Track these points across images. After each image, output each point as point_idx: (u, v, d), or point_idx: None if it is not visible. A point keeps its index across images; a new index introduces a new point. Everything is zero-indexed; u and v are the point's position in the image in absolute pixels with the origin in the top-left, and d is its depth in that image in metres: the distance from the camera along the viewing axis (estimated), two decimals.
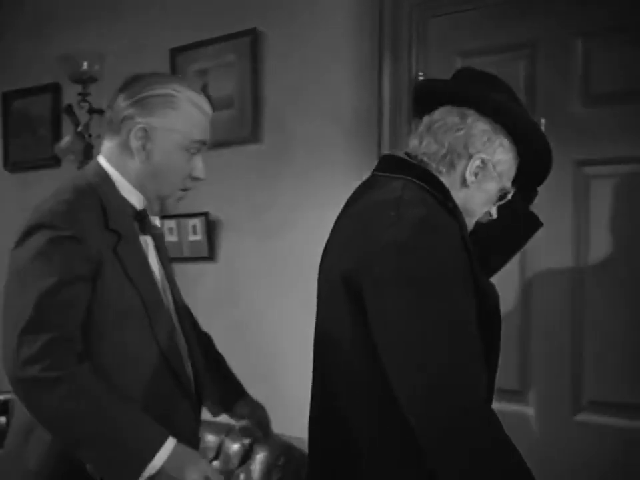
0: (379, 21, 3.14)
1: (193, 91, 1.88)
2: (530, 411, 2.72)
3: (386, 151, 3.06)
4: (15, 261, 1.74)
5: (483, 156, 1.75)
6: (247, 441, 3.07)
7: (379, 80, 3.12)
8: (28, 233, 1.73)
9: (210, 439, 3.20)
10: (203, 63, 3.71)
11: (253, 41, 3.53)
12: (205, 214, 3.69)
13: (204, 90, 3.70)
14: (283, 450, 3.05)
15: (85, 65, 3.73)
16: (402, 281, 1.53)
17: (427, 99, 1.83)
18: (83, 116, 3.82)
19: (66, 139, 3.82)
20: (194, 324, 2.20)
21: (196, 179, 1.90)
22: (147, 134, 1.83)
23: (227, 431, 3.21)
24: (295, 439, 3.00)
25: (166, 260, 2.00)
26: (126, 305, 1.77)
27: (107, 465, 1.65)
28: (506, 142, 1.77)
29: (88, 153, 3.74)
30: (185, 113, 1.84)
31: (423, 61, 3.09)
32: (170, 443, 1.68)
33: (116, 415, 1.66)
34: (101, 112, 3.47)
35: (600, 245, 2.64)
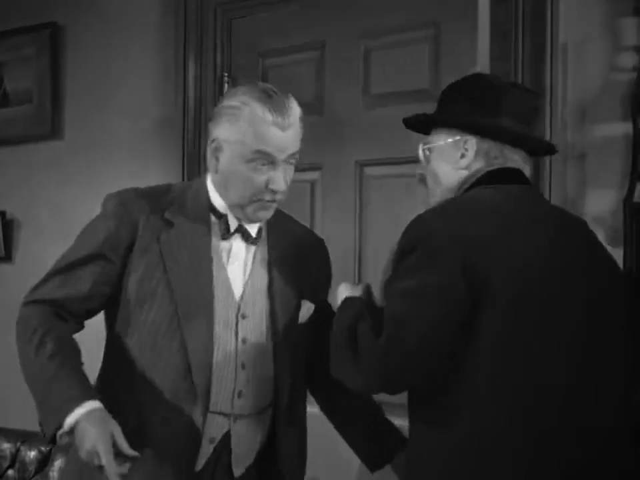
0: (184, 19, 3.13)
1: (262, 103, 1.85)
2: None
3: (190, 148, 3.09)
4: None
5: None
6: None
7: (184, 79, 3.11)
8: None
9: (5, 446, 3.07)
10: None
11: (52, 34, 3.43)
12: (2, 213, 3.54)
13: (0, 83, 3.56)
14: None
15: None
16: None
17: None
18: None
19: None
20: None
21: (271, 190, 1.88)
22: (217, 146, 1.89)
23: (22, 439, 3.08)
24: None
25: (282, 273, 1.98)
26: (151, 291, 1.86)
27: (39, 409, 1.79)
28: None
29: None
30: (248, 125, 1.84)
31: (227, 61, 3.12)
32: (88, 405, 1.73)
33: (51, 368, 1.78)
34: None
35: (377, 250, 2.68)
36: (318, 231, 2.76)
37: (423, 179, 1.98)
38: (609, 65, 2.39)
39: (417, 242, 1.69)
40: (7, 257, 3.55)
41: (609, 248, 2.35)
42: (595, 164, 2.41)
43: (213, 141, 1.89)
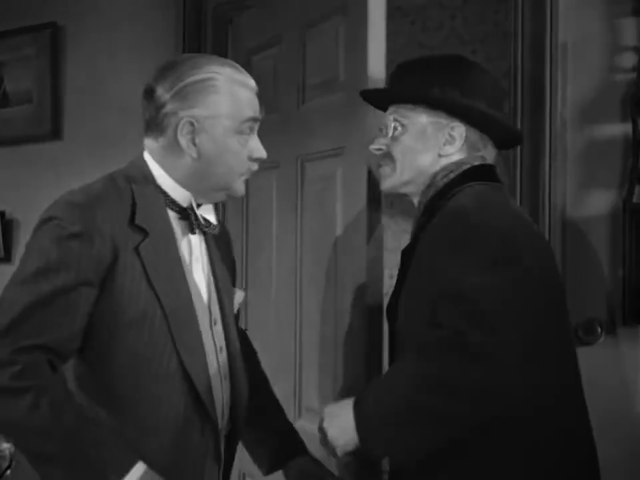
0: (184, 19, 3.14)
1: (232, 67, 1.71)
2: None
3: None
4: (25, 251, 1.63)
5: None
6: None
7: None
8: (39, 225, 1.62)
9: (4, 446, 3.05)
10: None
11: (53, 34, 3.43)
12: (1, 213, 3.54)
13: (0, 84, 3.57)
14: None
15: None
16: None
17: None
18: None
19: None
20: (249, 352, 1.98)
21: (257, 159, 1.73)
22: (194, 127, 1.66)
23: None
24: None
25: (219, 263, 1.81)
26: (141, 309, 1.61)
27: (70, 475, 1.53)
28: None
29: None
30: (229, 94, 1.67)
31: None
32: (139, 468, 1.55)
33: (84, 432, 1.53)
34: None
35: (315, 247, 2.57)
36: (274, 229, 2.73)
37: (385, 154, 1.89)
38: (608, 65, 2.39)
39: (485, 236, 1.64)
40: (7, 258, 3.53)
41: (608, 248, 2.36)
42: (594, 164, 2.41)
43: (185, 123, 1.65)
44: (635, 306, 2.29)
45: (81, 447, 1.52)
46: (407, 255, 1.81)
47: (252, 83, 1.72)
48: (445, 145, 1.83)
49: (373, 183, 2.19)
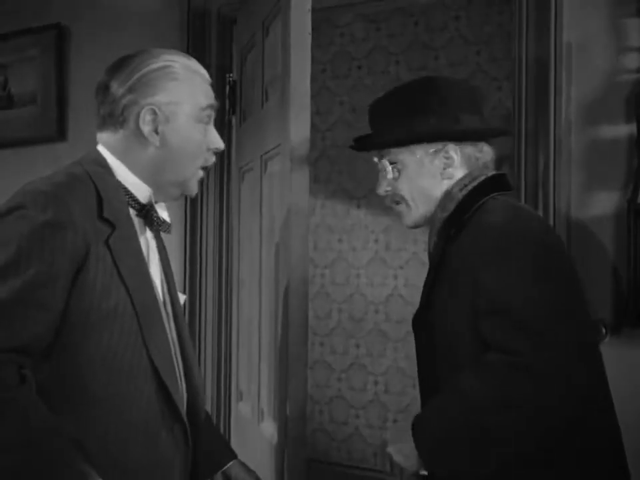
0: (187, 20, 3.15)
1: (187, 57, 1.70)
2: None
3: None
4: None
5: None
6: None
7: None
8: (3, 215, 1.52)
9: None
10: (3, 57, 3.55)
11: (57, 35, 3.43)
12: None
13: (4, 85, 3.56)
14: None
15: None
16: None
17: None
18: None
19: None
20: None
21: (216, 150, 1.72)
22: (156, 115, 1.63)
23: None
24: None
25: (167, 263, 1.78)
26: (112, 305, 1.54)
27: None
28: None
29: None
30: (187, 81, 1.66)
31: (229, 61, 3.14)
32: None
33: (48, 449, 1.45)
34: None
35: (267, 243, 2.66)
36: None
37: (394, 194, 1.90)
38: (612, 65, 2.39)
39: (528, 250, 1.69)
40: None
41: (613, 249, 2.36)
42: (599, 165, 2.41)
43: (147, 111, 1.63)
44: None
45: (44, 464, 1.45)
46: (436, 267, 1.81)
47: (206, 73, 1.72)
48: (445, 168, 1.85)
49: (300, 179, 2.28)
